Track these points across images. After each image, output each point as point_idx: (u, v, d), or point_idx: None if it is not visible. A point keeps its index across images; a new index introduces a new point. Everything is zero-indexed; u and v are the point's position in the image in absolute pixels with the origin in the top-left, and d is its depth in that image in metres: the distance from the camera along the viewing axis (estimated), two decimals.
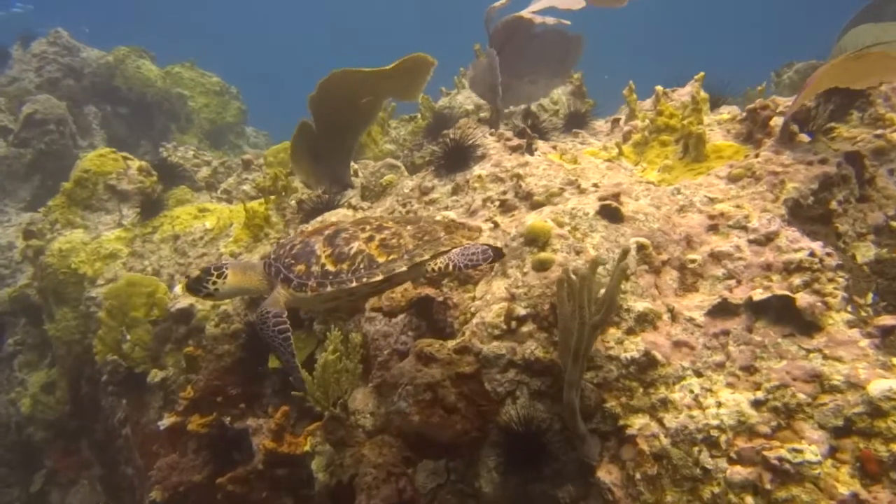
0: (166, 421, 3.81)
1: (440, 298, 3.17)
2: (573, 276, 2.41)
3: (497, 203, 3.39)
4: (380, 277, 2.67)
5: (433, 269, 2.73)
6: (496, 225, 3.23)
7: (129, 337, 4.01)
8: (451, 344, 2.87)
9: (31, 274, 5.53)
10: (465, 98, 5.50)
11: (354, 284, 2.67)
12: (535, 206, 3.25)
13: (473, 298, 3.03)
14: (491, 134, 4.05)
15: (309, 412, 3.36)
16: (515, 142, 3.85)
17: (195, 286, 2.94)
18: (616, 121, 4.47)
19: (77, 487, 5.46)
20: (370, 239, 2.77)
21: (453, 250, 2.75)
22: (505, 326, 2.71)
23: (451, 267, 2.69)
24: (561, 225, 2.92)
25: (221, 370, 3.66)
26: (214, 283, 2.94)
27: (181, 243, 4.64)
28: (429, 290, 3.29)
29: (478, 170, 3.66)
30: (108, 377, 4.16)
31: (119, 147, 6.27)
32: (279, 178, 4.32)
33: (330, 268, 2.70)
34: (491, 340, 2.72)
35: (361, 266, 2.69)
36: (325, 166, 4.24)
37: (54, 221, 5.23)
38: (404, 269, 2.67)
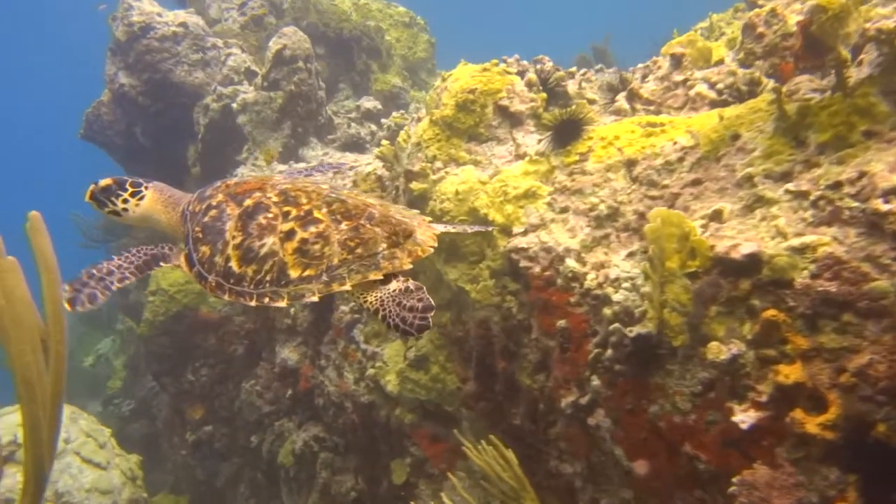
0: (747, 416, 2.65)
1: None
2: None
3: None
4: (282, 304, 2.16)
5: (361, 304, 2.21)
6: None
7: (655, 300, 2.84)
8: None
9: None
10: None
11: (254, 304, 2.18)
12: None
13: None
14: None
15: None
16: None
17: (100, 196, 2.50)
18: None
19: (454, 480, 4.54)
20: (289, 235, 2.21)
21: (391, 287, 2.15)
22: None
23: (381, 316, 2.11)
24: None
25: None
26: (125, 200, 2.51)
27: (644, 170, 3.40)
28: None
29: None
30: (614, 351, 3.03)
31: None
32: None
33: (234, 266, 2.22)
34: None
35: (268, 278, 2.18)
36: None
37: (432, 158, 4.15)
38: (315, 298, 2.13)
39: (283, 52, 7.02)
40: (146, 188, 2.56)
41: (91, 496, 4.87)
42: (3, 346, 2.78)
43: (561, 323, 3.43)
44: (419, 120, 4.84)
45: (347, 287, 2.14)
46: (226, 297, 2.24)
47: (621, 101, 3.97)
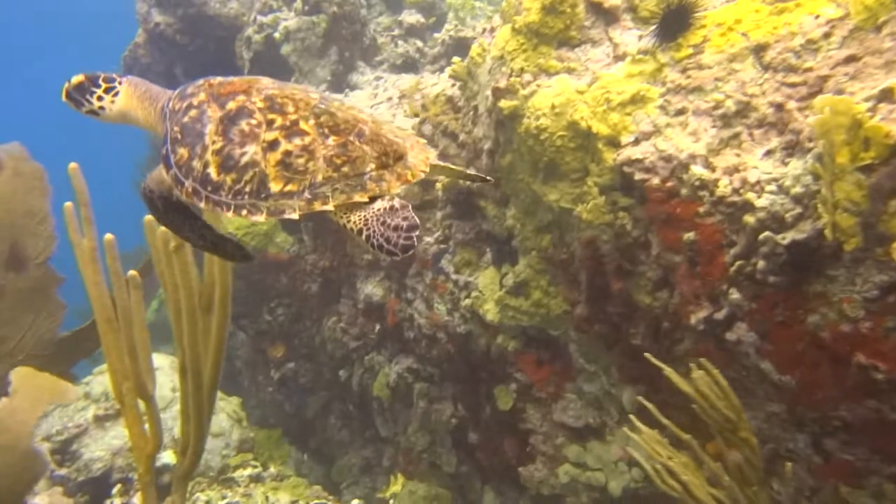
0: None
1: None
2: None
3: None
4: (261, 217, 2.03)
5: (344, 225, 2.04)
6: None
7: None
8: None
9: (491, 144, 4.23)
10: None
11: (230, 214, 2.05)
12: None
13: None
14: None
15: None
16: None
17: (76, 94, 2.40)
18: None
19: (565, 403, 4.48)
20: (273, 146, 2.07)
21: (375, 206, 1.99)
22: None
23: (364, 236, 1.95)
24: None
25: None
26: (100, 98, 2.42)
27: (778, 53, 3.03)
28: None
29: None
30: (766, 262, 2.79)
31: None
32: None
33: (213, 173, 2.11)
34: None
35: (247, 189, 2.05)
36: None
37: (519, 71, 3.80)
38: (295, 215, 1.99)
39: None
40: (120, 83, 2.43)
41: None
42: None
43: (688, 236, 3.19)
44: (492, 30, 4.45)
45: (330, 207, 2.00)
46: (202, 204, 2.13)
47: None
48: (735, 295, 3.01)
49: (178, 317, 2.74)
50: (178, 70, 7.97)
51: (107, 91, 2.41)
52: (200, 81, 2.40)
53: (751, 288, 2.94)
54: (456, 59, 4.59)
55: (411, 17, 7.60)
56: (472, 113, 4.62)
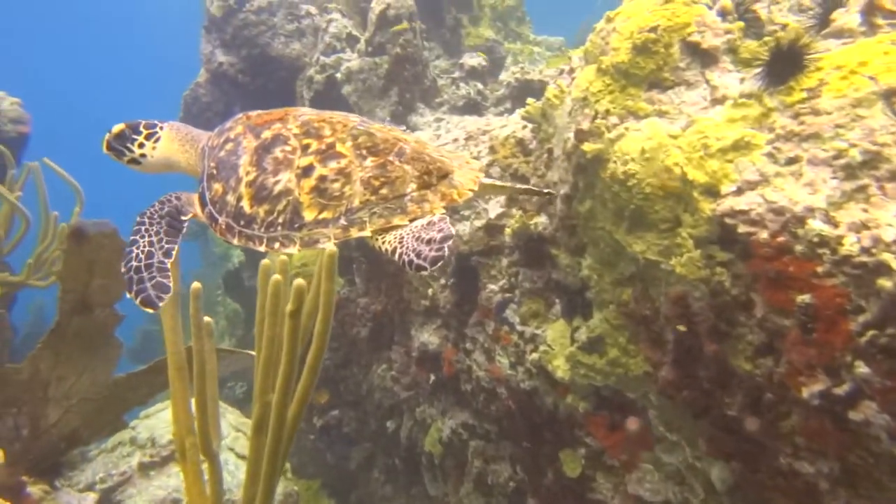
0: None
1: None
2: None
3: None
4: (294, 249, 1.90)
5: (378, 248, 1.89)
6: None
7: None
8: None
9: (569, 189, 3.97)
10: None
11: (262, 248, 1.95)
12: None
13: None
14: None
15: None
16: None
17: (116, 144, 2.32)
18: None
19: (640, 474, 4.07)
20: (307, 172, 1.95)
21: (412, 224, 1.85)
22: None
23: (397, 255, 1.80)
24: None
25: None
26: (141, 145, 2.32)
27: None
28: None
29: None
30: None
31: None
32: None
33: (246, 206, 1.99)
34: None
35: (280, 220, 1.94)
36: None
37: (604, 113, 3.56)
38: (330, 244, 1.87)
39: (386, 13, 6.52)
40: (161, 128, 2.40)
41: None
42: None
43: (802, 298, 2.83)
44: (571, 71, 4.25)
45: (367, 233, 1.89)
46: (235, 240, 2.06)
47: (846, 18, 3.24)
48: (863, 369, 2.63)
49: (267, 372, 2.50)
50: (237, 109, 8.00)
51: (148, 137, 2.34)
52: (239, 115, 2.35)
53: (885, 362, 2.56)
54: (530, 100, 4.38)
55: (472, 59, 7.52)
56: (545, 156, 4.39)
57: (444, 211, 1.94)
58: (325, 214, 1.92)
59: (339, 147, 2.00)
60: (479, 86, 7.31)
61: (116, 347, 3.74)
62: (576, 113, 3.84)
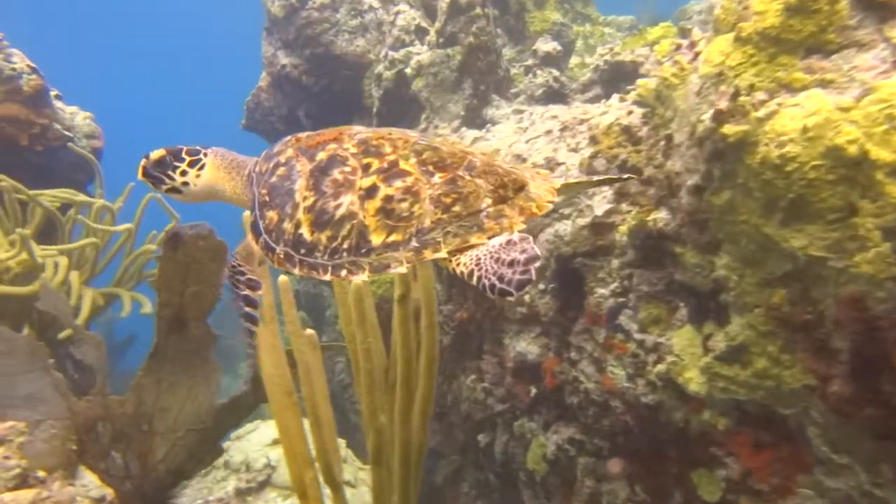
0: None
1: None
2: None
3: None
4: (363, 276, 1.78)
5: (453, 270, 1.76)
6: None
7: None
8: None
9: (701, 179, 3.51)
10: None
11: (328, 277, 1.81)
12: None
13: None
14: None
15: None
16: None
17: (154, 172, 2.15)
18: None
19: (798, 501, 3.57)
20: (371, 193, 1.82)
21: (489, 243, 1.70)
22: None
23: (475, 277, 1.66)
24: None
25: None
26: (184, 172, 2.15)
27: None
28: None
29: None
30: None
31: None
32: None
33: (305, 233, 1.87)
34: None
35: (345, 246, 1.81)
36: None
37: (748, 89, 3.08)
38: (403, 269, 1.75)
39: (457, 1, 6.11)
40: (205, 154, 2.24)
41: None
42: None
43: None
44: (692, 45, 3.77)
45: (443, 254, 1.75)
46: (296, 270, 1.92)
47: None
48: None
49: (372, 389, 2.16)
50: (300, 112, 7.76)
51: (192, 164, 2.21)
52: (287, 138, 2.22)
53: None
54: (641, 80, 3.92)
55: (546, 45, 7.03)
56: (662, 143, 3.92)
57: (523, 226, 1.79)
58: (394, 237, 1.79)
59: (402, 164, 1.86)
60: (556, 72, 6.84)
61: (215, 371, 3.48)
62: (707, 92, 3.36)
